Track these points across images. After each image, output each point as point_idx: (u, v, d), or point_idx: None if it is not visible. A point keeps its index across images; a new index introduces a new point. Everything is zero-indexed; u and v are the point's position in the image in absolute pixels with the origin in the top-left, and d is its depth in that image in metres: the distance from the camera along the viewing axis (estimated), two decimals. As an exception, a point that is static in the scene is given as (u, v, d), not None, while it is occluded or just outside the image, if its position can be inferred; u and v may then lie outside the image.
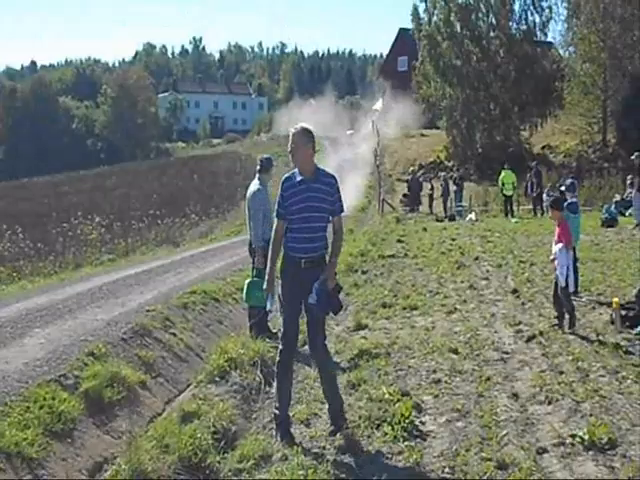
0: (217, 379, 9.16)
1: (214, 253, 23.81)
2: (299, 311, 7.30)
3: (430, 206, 41.40)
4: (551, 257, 11.82)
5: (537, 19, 53.14)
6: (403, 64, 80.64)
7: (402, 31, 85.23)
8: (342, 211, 7.44)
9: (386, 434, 7.15)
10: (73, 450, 7.78)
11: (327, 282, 7.12)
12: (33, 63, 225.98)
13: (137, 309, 13.18)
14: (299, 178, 7.33)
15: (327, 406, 7.57)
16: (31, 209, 50.70)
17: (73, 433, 7.98)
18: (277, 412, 7.49)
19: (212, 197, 53.34)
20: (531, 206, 35.96)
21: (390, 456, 6.69)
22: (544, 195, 35.13)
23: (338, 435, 7.15)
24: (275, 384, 7.66)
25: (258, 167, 12.02)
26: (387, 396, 8.04)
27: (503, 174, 34.96)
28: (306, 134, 7.33)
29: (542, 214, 33.68)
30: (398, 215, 37.72)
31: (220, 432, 7.43)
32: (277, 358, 7.49)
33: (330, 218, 7.38)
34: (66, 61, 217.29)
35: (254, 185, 11.84)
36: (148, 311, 12.86)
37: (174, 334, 12.31)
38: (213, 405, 8.11)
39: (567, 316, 11.21)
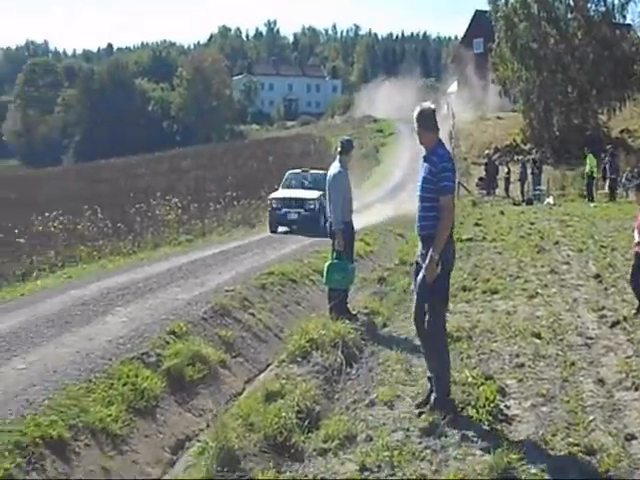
0: (299, 359, 9.19)
1: (290, 234, 23.83)
2: None
3: (506, 190, 41.05)
4: (636, 240, 11.54)
5: (616, 0, 52.04)
6: (479, 46, 79.66)
7: (478, 13, 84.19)
8: (449, 192, 7.14)
9: (471, 417, 7.09)
10: (156, 427, 7.93)
11: (426, 273, 7.02)
12: (110, 46, 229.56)
13: (216, 289, 13.33)
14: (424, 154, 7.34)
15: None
16: (109, 190, 51.38)
17: (155, 410, 8.14)
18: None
19: (286, 179, 53.14)
20: (608, 190, 35.38)
21: (475, 439, 6.63)
22: (620, 179, 34.69)
23: (423, 417, 7.10)
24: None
25: (339, 149, 11.93)
26: (470, 380, 7.98)
27: (589, 157, 34.60)
28: (426, 118, 7.27)
29: (614, 198, 33.20)
30: (474, 198, 37.41)
31: (304, 412, 7.45)
32: None
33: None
34: (142, 44, 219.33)
35: (334, 167, 11.75)
36: (227, 291, 12.99)
37: (253, 314, 12.42)
38: (296, 385, 8.14)
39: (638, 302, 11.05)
